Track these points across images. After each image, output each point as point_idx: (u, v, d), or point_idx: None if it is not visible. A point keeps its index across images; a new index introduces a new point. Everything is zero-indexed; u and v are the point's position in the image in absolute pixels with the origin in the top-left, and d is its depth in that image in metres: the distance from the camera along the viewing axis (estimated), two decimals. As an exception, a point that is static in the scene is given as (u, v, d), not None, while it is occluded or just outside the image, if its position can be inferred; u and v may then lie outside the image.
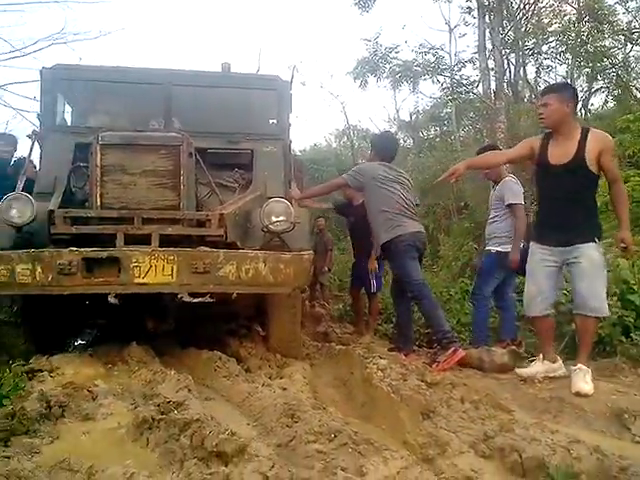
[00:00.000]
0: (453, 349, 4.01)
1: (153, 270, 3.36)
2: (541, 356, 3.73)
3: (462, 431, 2.58)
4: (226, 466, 1.92)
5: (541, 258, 3.66)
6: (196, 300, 5.16)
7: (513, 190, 4.59)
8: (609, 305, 3.98)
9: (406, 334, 4.63)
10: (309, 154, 13.70)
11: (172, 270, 3.38)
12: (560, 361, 3.69)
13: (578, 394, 3.22)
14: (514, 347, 4.11)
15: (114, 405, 2.65)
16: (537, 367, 3.67)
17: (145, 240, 3.48)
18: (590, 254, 3.44)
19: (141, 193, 3.62)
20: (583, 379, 3.30)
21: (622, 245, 3.47)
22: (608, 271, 4.24)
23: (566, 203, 3.55)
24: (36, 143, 4.42)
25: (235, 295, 4.01)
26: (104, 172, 3.60)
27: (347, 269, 8.79)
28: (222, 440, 2.01)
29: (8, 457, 2.03)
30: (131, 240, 3.48)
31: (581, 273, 3.47)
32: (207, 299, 5.04)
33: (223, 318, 4.78)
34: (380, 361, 3.30)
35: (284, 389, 3.05)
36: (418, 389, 2.93)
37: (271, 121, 5.01)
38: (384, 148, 4.77)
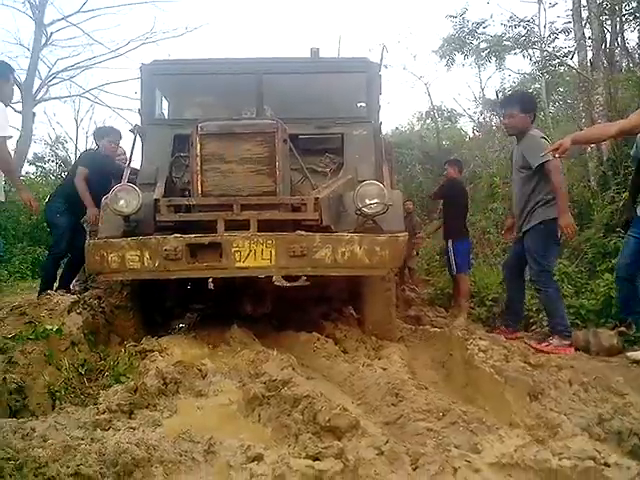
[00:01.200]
0: (569, 342, 3.98)
1: (253, 254, 3.46)
2: None
3: (573, 413, 2.49)
4: (339, 441, 1.96)
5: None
6: (291, 284, 5.37)
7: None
8: None
9: (518, 313, 4.62)
10: (392, 138, 13.55)
11: (271, 254, 3.46)
12: None
13: None
14: (623, 328, 3.91)
15: (223, 383, 2.77)
16: None
17: (244, 225, 3.59)
18: None
19: (239, 180, 3.74)
20: None
21: None
22: None
23: None
24: (138, 137, 4.67)
25: (330, 278, 4.11)
26: (204, 161, 3.73)
27: (434, 253, 8.69)
28: (334, 415, 2.06)
29: (133, 428, 2.17)
30: (231, 226, 3.60)
31: None
32: (302, 283, 5.22)
33: (317, 302, 4.86)
34: (481, 342, 3.25)
35: (384, 369, 3.07)
36: (523, 370, 2.87)
37: (360, 104, 5.01)
38: (534, 105, 4.58)
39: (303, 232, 3.53)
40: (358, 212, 3.71)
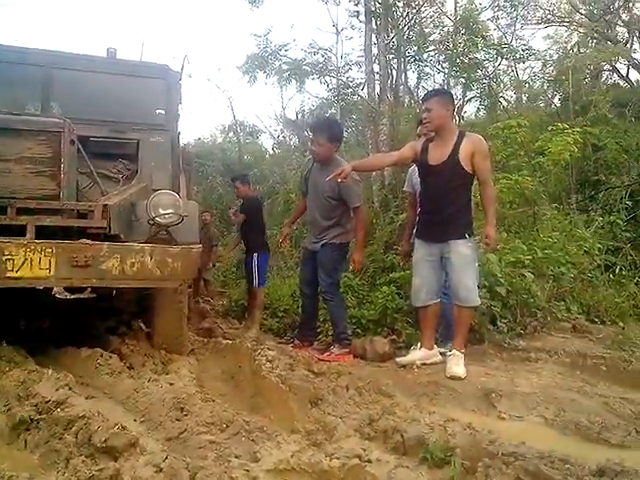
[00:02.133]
0: (348, 350, 4.31)
1: (28, 263, 3.14)
2: (419, 344, 3.99)
3: (348, 416, 2.72)
4: (116, 461, 1.87)
5: (423, 253, 3.94)
6: (73, 296, 4.98)
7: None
8: (480, 297, 4.37)
9: (314, 326, 4.88)
10: (193, 148, 13.42)
11: (50, 263, 3.17)
12: (436, 349, 3.97)
13: (452, 377, 3.50)
14: (394, 337, 4.35)
15: (-15, 408, 2.47)
16: (415, 355, 3.92)
17: (20, 232, 3.25)
18: (459, 250, 3.74)
19: (16, 181, 3.38)
20: (457, 363, 3.60)
21: (486, 240, 3.76)
22: (479, 265, 4.65)
23: (440, 201, 3.86)
24: None
25: (118, 290, 3.91)
26: None
27: (232, 265, 8.76)
28: (111, 435, 1.95)
29: None
30: (4, 231, 3.24)
31: (452, 267, 3.78)
32: (86, 295, 4.88)
33: (103, 315, 4.58)
34: (269, 352, 3.35)
35: (171, 384, 3.00)
36: (306, 378, 3.03)
37: (158, 111, 4.87)
38: (341, 135, 4.80)
39: (89, 241, 3.31)
40: (151, 222, 3.59)
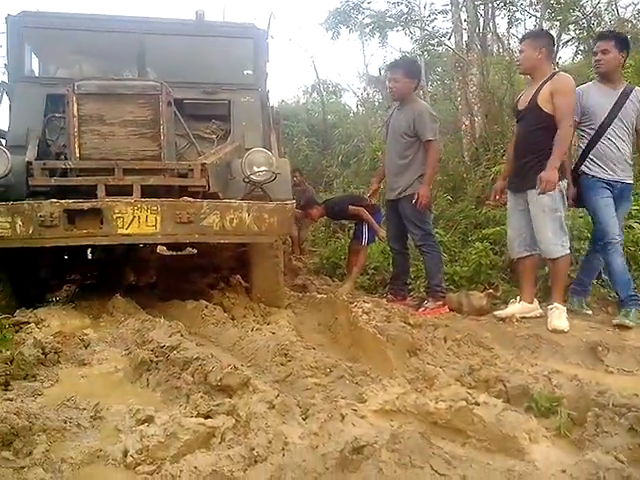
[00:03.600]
0: (442, 302, 4.25)
1: (137, 221, 3.33)
2: (518, 297, 3.89)
3: (448, 366, 2.71)
4: (231, 398, 1.99)
5: (512, 203, 3.85)
6: (176, 252, 5.25)
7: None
8: (581, 249, 4.19)
9: (406, 282, 4.85)
10: (278, 110, 13.53)
11: (156, 220, 3.36)
12: (537, 302, 3.86)
13: (554, 331, 3.40)
14: (491, 291, 4.26)
15: (108, 351, 2.69)
16: (514, 308, 3.83)
17: (127, 191, 3.45)
18: (535, 199, 3.58)
19: (121, 143, 3.57)
20: (558, 317, 3.48)
21: (542, 184, 3.49)
22: (580, 217, 4.44)
23: (522, 147, 3.75)
24: (4, 95, 4.29)
25: (217, 246, 4.07)
26: (81, 122, 3.52)
27: (320, 225, 8.84)
28: (226, 374, 2.08)
29: (11, 399, 2.05)
30: (112, 191, 3.44)
31: (532, 219, 3.64)
32: (188, 251, 5.13)
33: (204, 271, 4.81)
34: (364, 305, 3.39)
35: (273, 333, 3.12)
36: (403, 329, 3.04)
37: (247, 71, 4.94)
38: (418, 71, 4.67)
39: (190, 198, 3.46)
40: (246, 180, 3.70)
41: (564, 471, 1.60)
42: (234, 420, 1.81)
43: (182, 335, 2.84)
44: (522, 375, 2.50)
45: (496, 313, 3.88)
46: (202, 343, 3.06)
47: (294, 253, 7.51)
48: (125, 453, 1.69)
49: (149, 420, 1.84)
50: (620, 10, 11.38)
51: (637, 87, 3.81)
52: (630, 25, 11.28)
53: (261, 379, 2.34)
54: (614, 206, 3.72)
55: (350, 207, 5.47)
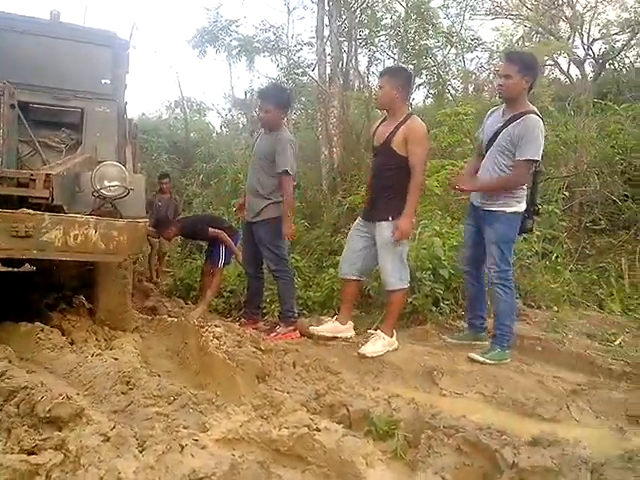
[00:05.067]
0: (294, 327, 4.32)
1: None
2: (334, 317, 4.08)
3: (295, 392, 2.75)
4: (60, 431, 1.83)
5: (357, 227, 4.01)
6: (12, 269, 4.78)
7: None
8: (423, 279, 4.48)
9: (258, 304, 4.84)
10: (138, 123, 13.04)
11: None
12: (350, 325, 4.06)
13: (359, 355, 3.60)
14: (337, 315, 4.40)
15: None
16: (327, 326, 4.02)
17: None
18: (381, 232, 3.76)
19: None
20: (372, 342, 3.68)
21: (397, 232, 3.63)
22: (423, 248, 4.76)
23: (374, 181, 3.92)
24: None
25: (60, 263, 3.78)
26: None
27: (176, 244, 8.60)
28: (56, 405, 1.91)
29: None
30: None
31: (377, 250, 3.81)
32: (24, 268, 4.69)
33: (43, 290, 4.43)
34: (215, 329, 3.33)
35: (115, 359, 2.95)
36: (253, 355, 3.03)
37: (105, 80, 4.71)
38: (288, 102, 4.67)
39: (30, 210, 3.19)
40: (96, 194, 3.49)
41: (396, 494, 1.68)
42: (63, 455, 1.66)
43: (10, 361, 2.58)
44: (364, 399, 2.61)
45: (311, 329, 4.05)
46: (34, 370, 2.80)
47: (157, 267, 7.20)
48: None
49: (-40, 459, 1.63)
50: (466, 62, 12.64)
51: (529, 115, 3.50)
52: (474, 77, 12.55)
53: (98, 409, 2.20)
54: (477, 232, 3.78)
55: (210, 229, 5.40)
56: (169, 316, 4.80)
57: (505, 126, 3.58)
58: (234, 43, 10.70)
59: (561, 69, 11.70)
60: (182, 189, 10.96)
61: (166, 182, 7.91)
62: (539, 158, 3.53)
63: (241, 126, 14.99)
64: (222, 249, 5.68)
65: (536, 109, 3.63)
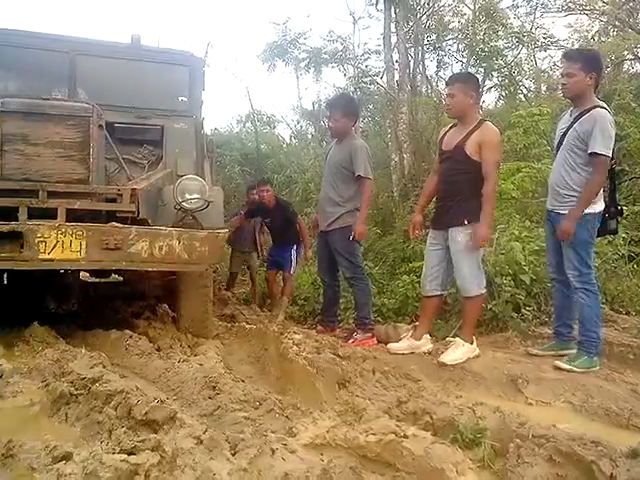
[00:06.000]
0: (371, 334, 4.32)
1: (60, 246, 3.20)
2: (410, 332, 4.02)
3: (376, 398, 2.74)
4: (156, 434, 1.91)
5: (430, 241, 3.95)
6: (100, 279, 5.06)
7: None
8: (503, 284, 4.36)
9: (335, 312, 4.86)
10: (211, 137, 13.45)
11: (80, 246, 3.24)
12: (426, 338, 3.96)
13: (439, 362, 3.53)
14: (417, 323, 4.35)
15: (22, 383, 2.53)
16: (403, 344, 3.94)
17: (51, 215, 3.31)
18: (456, 237, 3.68)
19: (46, 165, 3.44)
20: (451, 349, 3.61)
21: (475, 240, 3.57)
22: (502, 253, 4.64)
23: (445, 188, 3.83)
24: None
25: (144, 274, 3.96)
26: (5, 141, 3.37)
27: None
28: (151, 408, 2.00)
29: None
30: (35, 214, 3.29)
31: (452, 257, 3.74)
32: (113, 278, 4.95)
33: (130, 299, 4.65)
34: (295, 336, 3.38)
35: (201, 364, 3.05)
36: (333, 361, 3.05)
37: (182, 98, 4.91)
38: (356, 110, 4.76)
39: (118, 224, 3.36)
40: (177, 207, 3.64)
41: (489, 503, 1.64)
42: (159, 456, 1.73)
43: (104, 367, 2.72)
44: (448, 407, 2.56)
45: (388, 345, 3.98)
46: (125, 375, 2.93)
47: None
48: (39, 494, 1.58)
49: (67, 457, 1.73)
50: (538, 61, 12.26)
51: (597, 109, 3.42)
52: (546, 76, 12.14)
53: (188, 413, 2.27)
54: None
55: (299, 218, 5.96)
56: (247, 323, 4.92)
57: (572, 124, 3.51)
58: (302, 55, 10.86)
59: (642, 63, 11.10)
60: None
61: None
62: (610, 152, 3.40)
63: (310, 136, 15.16)
64: (294, 256, 5.82)
65: (605, 105, 3.53)
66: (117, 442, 1.82)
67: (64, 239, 3.20)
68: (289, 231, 6.14)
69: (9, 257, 3.14)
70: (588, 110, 3.44)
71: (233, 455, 1.77)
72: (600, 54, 3.81)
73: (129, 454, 1.76)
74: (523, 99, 10.47)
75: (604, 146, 3.35)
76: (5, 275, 4.36)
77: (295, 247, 6.12)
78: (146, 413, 2.00)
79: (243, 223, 6.56)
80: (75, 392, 2.29)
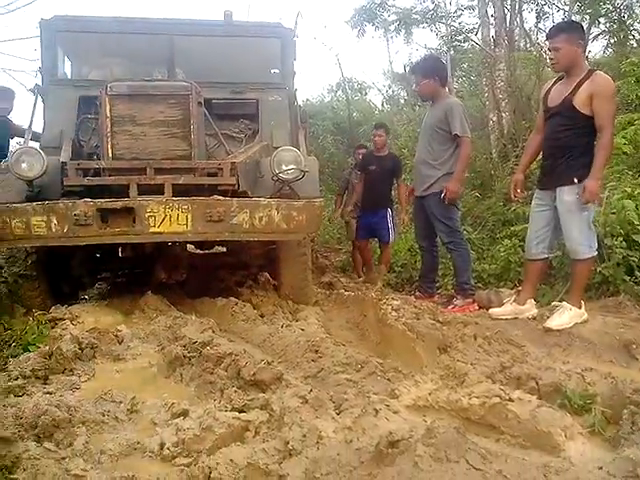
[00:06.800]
0: (472, 300, 4.24)
1: (168, 219, 3.40)
2: (514, 290, 3.85)
3: (479, 363, 2.69)
4: (264, 393, 2.02)
5: (536, 203, 3.76)
6: (205, 250, 5.31)
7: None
8: (614, 246, 4.10)
9: (434, 279, 4.84)
10: (305, 109, 13.57)
11: (187, 219, 3.41)
12: (531, 303, 3.79)
13: (545, 328, 3.39)
14: (520, 288, 4.21)
15: (141, 347, 2.75)
16: (506, 308, 3.81)
17: (158, 190, 3.51)
18: (564, 198, 3.49)
19: (152, 143, 3.64)
20: (557, 314, 3.45)
21: (585, 194, 3.37)
22: (612, 213, 4.35)
23: (552, 146, 3.62)
24: (39, 98, 4.39)
25: (246, 244, 4.11)
26: (114, 123, 3.60)
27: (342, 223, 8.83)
28: (259, 369, 2.10)
29: (50, 393, 2.11)
30: (144, 190, 3.51)
31: (560, 217, 3.55)
32: (216, 249, 5.19)
33: (233, 269, 4.85)
34: (393, 302, 3.39)
35: (303, 330, 3.14)
36: (432, 327, 3.03)
37: (274, 70, 4.98)
38: (445, 73, 4.61)
39: (220, 197, 3.50)
40: (275, 178, 3.72)
41: (601, 468, 1.59)
42: (268, 414, 1.83)
43: (213, 331, 2.89)
44: (554, 373, 2.48)
45: (490, 311, 3.86)
46: (233, 340, 3.10)
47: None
48: (162, 446, 1.72)
49: (184, 414, 1.87)
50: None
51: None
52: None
53: (293, 375, 2.37)
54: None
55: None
56: (345, 290, 4.99)
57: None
58: (392, 18, 10.58)
59: None
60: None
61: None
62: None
63: (402, 101, 14.85)
64: (390, 221, 5.74)
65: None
66: (229, 400, 1.94)
67: (171, 213, 3.39)
68: (386, 189, 6.03)
69: (123, 231, 3.38)
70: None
71: (338, 414, 1.82)
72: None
73: (240, 412, 1.87)
74: (635, 45, 9.58)
75: None
76: (120, 249, 4.70)
77: (389, 212, 5.98)
78: (254, 374, 2.11)
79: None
80: (188, 355, 2.46)
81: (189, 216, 3.41)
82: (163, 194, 3.47)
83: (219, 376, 2.20)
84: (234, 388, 2.07)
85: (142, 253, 4.28)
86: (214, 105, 4.26)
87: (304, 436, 1.66)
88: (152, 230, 3.39)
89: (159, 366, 2.49)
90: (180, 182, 3.55)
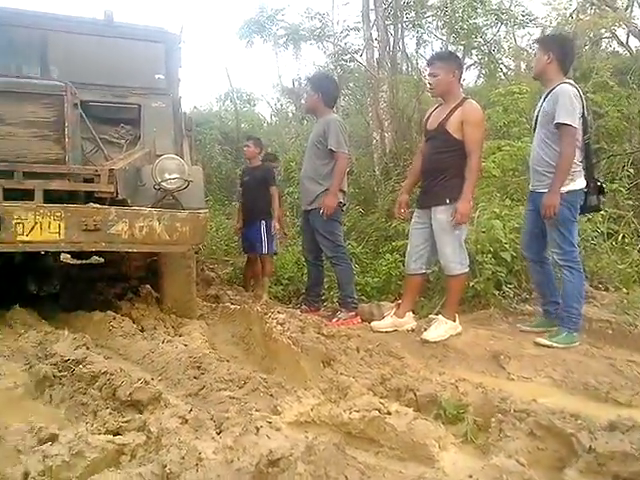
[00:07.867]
0: (355, 313, 4.34)
1: (38, 227, 3.15)
2: (394, 302, 4.05)
3: (361, 376, 2.75)
4: (141, 414, 1.91)
5: (415, 220, 3.97)
6: (82, 261, 5.00)
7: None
8: (484, 262, 4.40)
9: (319, 292, 4.86)
10: (191, 116, 13.30)
11: (59, 227, 3.18)
12: (409, 316, 4.00)
13: (422, 339, 3.59)
14: (400, 301, 4.37)
15: (6, 366, 2.51)
16: (386, 321, 3.98)
17: (27, 196, 3.25)
18: (438, 216, 3.71)
19: (21, 145, 3.36)
20: (434, 327, 3.66)
21: (457, 216, 3.58)
22: (483, 231, 4.67)
23: (429, 167, 3.84)
24: None
25: (126, 255, 3.92)
26: None
27: (232, 233, 8.74)
28: (136, 389, 1.99)
29: None
30: (12, 196, 3.23)
31: (435, 235, 3.76)
32: (94, 260, 4.90)
33: (112, 280, 4.61)
34: (279, 315, 3.38)
35: (185, 345, 3.04)
36: (317, 340, 3.06)
37: (158, 76, 4.81)
38: (332, 92, 4.65)
39: (97, 205, 3.31)
40: (157, 187, 3.59)
41: (471, 476, 1.67)
42: (145, 436, 1.74)
43: (88, 348, 2.70)
44: (431, 383, 2.59)
45: (372, 324, 4.02)
46: (110, 356, 2.91)
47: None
48: (26, 475, 1.57)
49: (52, 439, 1.72)
50: (517, 39, 12.23)
51: (560, 85, 3.56)
52: (525, 54, 12.13)
53: (173, 393, 2.28)
54: None
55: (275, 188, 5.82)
56: (232, 304, 4.92)
57: (542, 104, 3.67)
58: (280, 32, 10.71)
59: (620, 41, 11.13)
60: (235, 179, 11.11)
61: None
62: (575, 122, 3.47)
63: (290, 115, 15.04)
64: (264, 233, 5.71)
65: (571, 81, 3.67)
66: (102, 423, 1.82)
67: (42, 220, 3.14)
68: (260, 200, 5.85)
69: None
70: (554, 88, 3.57)
71: (218, 434, 1.77)
72: (557, 35, 4.13)
73: (115, 434, 1.76)
74: (503, 77, 10.45)
75: (567, 116, 3.44)
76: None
77: (264, 224, 5.80)
78: (131, 394, 2.00)
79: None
80: (59, 374, 2.28)
81: (62, 224, 3.18)
82: (33, 200, 3.22)
83: (92, 397, 2.06)
84: (109, 409, 1.94)
85: (10, 263, 3.93)
86: (92, 108, 4.03)
87: (183, 458, 1.59)
88: (20, 239, 3.12)
89: (26, 386, 2.28)
90: (52, 188, 3.31)
